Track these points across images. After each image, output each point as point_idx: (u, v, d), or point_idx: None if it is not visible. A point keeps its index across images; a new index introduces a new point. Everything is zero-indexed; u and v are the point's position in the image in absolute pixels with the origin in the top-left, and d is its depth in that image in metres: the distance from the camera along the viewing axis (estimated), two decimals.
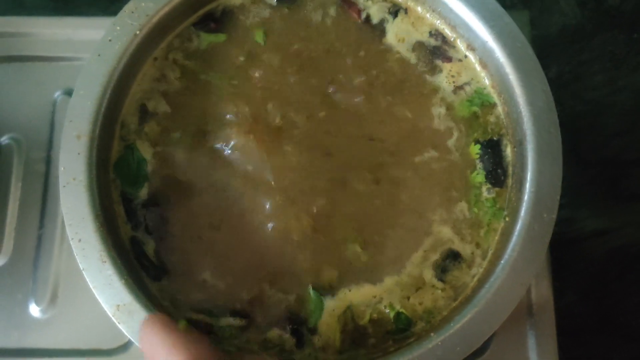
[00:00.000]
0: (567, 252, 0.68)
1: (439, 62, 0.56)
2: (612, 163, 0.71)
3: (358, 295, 0.51)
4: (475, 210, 0.53)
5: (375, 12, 0.58)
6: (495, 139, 0.54)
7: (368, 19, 0.58)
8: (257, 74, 0.56)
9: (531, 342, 0.58)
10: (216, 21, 0.58)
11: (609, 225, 0.69)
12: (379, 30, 0.58)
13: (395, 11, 0.58)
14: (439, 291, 0.51)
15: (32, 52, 0.67)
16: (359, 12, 0.58)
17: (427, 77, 0.56)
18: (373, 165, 0.54)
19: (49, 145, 0.64)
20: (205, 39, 0.57)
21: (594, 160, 0.71)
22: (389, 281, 0.51)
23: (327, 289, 0.51)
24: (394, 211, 0.53)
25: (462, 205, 0.53)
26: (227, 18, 0.58)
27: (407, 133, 0.55)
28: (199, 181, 0.53)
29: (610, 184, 0.71)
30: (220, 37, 0.57)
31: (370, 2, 0.58)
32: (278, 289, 0.51)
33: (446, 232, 0.52)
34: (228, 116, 0.54)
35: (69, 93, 0.65)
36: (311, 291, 0.50)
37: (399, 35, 0.57)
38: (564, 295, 0.66)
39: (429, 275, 0.51)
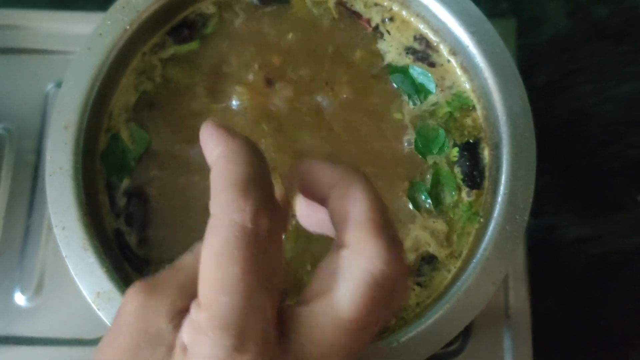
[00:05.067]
0: (548, 258, 0.68)
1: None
2: (596, 172, 0.72)
3: None
4: (451, 215, 0.54)
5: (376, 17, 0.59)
6: (472, 141, 0.55)
7: (377, 27, 0.59)
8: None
9: (507, 344, 0.59)
10: (189, 27, 0.58)
11: (590, 233, 0.69)
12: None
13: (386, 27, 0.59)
14: (413, 290, 0.51)
15: (26, 45, 0.68)
16: (369, 20, 0.59)
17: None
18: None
19: (40, 137, 0.65)
20: (178, 50, 0.58)
21: (579, 169, 0.72)
22: None
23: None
24: None
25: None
26: (202, 22, 0.58)
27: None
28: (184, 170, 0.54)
29: (594, 193, 0.71)
30: (192, 46, 0.58)
31: (364, 7, 0.59)
32: None
33: (423, 235, 0.53)
34: None
35: (61, 86, 0.66)
36: None
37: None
38: (543, 301, 0.67)
39: None
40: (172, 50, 0.57)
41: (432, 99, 0.56)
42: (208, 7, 0.58)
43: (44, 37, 0.68)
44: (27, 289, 0.60)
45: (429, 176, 0.54)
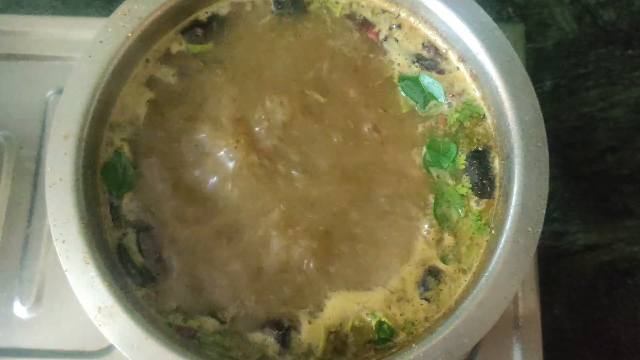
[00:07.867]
0: (557, 266, 0.68)
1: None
2: (605, 178, 0.71)
3: (344, 301, 0.51)
4: (460, 225, 0.53)
5: (384, 27, 0.58)
6: (480, 149, 0.54)
7: (386, 38, 0.58)
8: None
9: (517, 355, 0.58)
10: (203, 27, 0.57)
11: (599, 240, 0.69)
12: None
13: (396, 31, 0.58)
14: (421, 305, 0.51)
15: (27, 51, 0.67)
16: (377, 33, 0.58)
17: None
18: (363, 178, 0.54)
19: (40, 144, 0.64)
20: (191, 50, 0.57)
21: (587, 175, 0.71)
22: (374, 290, 0.51)
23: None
24: (379, 224, 0.53)
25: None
26: (216, 23, 0.58)
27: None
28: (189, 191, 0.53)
29: (602, 199, 0.71)
30: (207, 47, 0.57)
31: (372, 15, 0.58)
32: (266, 295, 0.51)
33: (430, 249, 0.52)
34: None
35: (61, 93, 0.65)
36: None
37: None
38: (552, 309, 0.66)
39: (411, 289, 0.51)
40: (183, 48, 0.56)
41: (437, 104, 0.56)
42: (220, 9, 0.58)
43: (45, 43, 0.67)
44: (27, 299, 0.60)
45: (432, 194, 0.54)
